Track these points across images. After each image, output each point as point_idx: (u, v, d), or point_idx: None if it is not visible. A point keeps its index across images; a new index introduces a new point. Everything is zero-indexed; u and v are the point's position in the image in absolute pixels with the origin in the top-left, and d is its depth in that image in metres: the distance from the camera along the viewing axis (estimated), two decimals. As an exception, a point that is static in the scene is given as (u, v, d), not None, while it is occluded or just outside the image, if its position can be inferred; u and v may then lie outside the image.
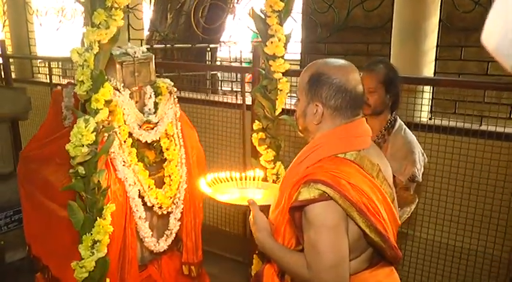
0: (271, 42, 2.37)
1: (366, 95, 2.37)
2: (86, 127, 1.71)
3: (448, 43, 3.88)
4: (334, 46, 4.11)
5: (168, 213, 2.61)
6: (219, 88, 6.35)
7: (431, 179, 2.82)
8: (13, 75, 5.94)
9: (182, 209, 2.66)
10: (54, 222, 2.29)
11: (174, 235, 2.64)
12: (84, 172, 1.77)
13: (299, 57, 5.13)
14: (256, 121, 2.63)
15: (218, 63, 7.62)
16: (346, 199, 1.36)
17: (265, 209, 1.69)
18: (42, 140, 2.37)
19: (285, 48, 2.42)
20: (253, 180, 2.03)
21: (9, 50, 6.20)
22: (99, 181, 1.83)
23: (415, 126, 2.92)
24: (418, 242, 2.91)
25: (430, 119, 3.17)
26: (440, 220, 2.83)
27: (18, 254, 3.57)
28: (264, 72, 2.52)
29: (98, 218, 1.86)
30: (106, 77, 2.20)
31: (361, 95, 1.54)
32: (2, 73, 4.55)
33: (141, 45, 4.90)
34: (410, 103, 3.04)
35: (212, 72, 6.83)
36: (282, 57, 2.44)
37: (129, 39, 4.90)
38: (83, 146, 1.73)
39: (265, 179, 2.29)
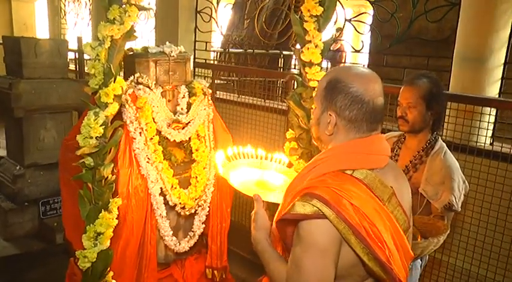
0: (308, 48, 2.27)
1: (405, 110, 2.20)
2: (95, 120, 1.74)
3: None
4: (395, 58, 3.87)
5: (194, 214, 2.61)
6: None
7: (477, 210, 2.53)
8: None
9: (208, 211, 2.64)
10: (81, 210, 2.38)
11: (197, 237, 2.63)
12: (92, 164, 1.81)
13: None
14: (289, 129, 2.54)
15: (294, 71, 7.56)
16: (343, 220, 1.24)
17: (271, 206, 1.60)
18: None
19: (322, 56, 2.31)
20: (279, 163, 1.91)
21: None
22: (104, 174, 1.85)
23: (472, 151, 2.66)
24: (452, 269, 2.63)
25: (491, 144, 2.85)
26: (477, 254, 2.55)
27: (68, 236, 3.80)
28: (300, 79, 2.42)
29: (103, 210, 1.89)
30: (138, 74, 2.27)
31: (381, 109, 1.40)
32: (77, 67, 4.90)
33: (206, 48, 5.02)
34: (469, 125, 2.76)
35: (283, 80, 6.78)
36: (319, 64, 2.33)
37: (195, 41, 5.01)
38: (92, 138, 1.76)
39: (290, 165, 2.14)
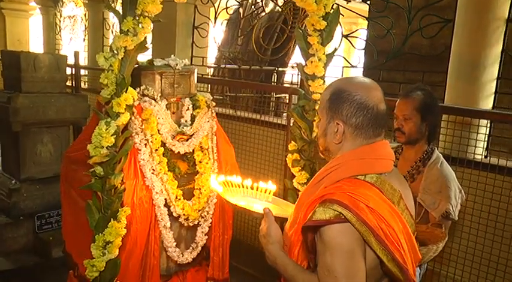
0: (311, 62, 2.33)
1: (401, 122, 2.27)
2: (106, 130, 1.77)
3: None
4: (389, 73, 3.96)
5: (196, 226, 2.62)
6: (284, 110, 6.40)
7: (476, 220, 2.59)
8: (86, 85, 6.41)
9: (211, 223, 2.65)
10: (84, 221, 2.37)
11: (199, 248, 2.63)
12: (102, 173, 1.83)
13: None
14: (292, 142, 2.58)
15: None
16: (363, 223, 1.28)
17: (278, 221, 1.62)
18: (84, 142, 2.47)
19: (325, 69, 2.37)
20: (265, 192, 1.92)
21: (86, 62, 6.71)
22: (114, 183, 1.86)
23: (467, 163, 2.73)
24: (451, 278, 2.67)
25: (486, 157, 2.92)
26: (476, 263, 2.60)
27: (65, 250, 3.76)
28: (303, 92, 2.48)
29: (112, 219, 1.90)
30: (144, 86, 2.30)
31: (384, 114, 1.46)
32: (73, 81, 4.90)
33: (203, 63, 5.08)
34: (463, 137, 2.84)
35: (277, 95, 6.86)
36: (322, 77, 2.39)
37: (192, 56, 5.07)
38: (103, 147, 1.78)
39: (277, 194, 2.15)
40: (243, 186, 1.85)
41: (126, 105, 1.83)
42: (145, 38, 1.83)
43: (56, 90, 3.92)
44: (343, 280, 1.27)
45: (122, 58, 1.77)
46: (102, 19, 6.47)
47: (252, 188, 1.82)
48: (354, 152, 1.44)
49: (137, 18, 1.76)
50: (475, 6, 2.93)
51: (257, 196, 1.83)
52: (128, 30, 1.74)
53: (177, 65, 2.43)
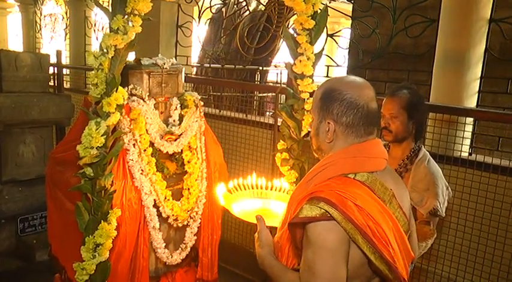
0: (300, 61, 2.34)
1: (388, 121, 2.29)
2: (96, 130, 1.74)
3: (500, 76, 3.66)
4: (375, 72, 4.00)
5: (185, 226, 2.60)
6: (268, 110, 6.42)
7: (462, 216, 2.63)
8: (68, 85, 6.31)
9: (200, 223, 2.64)
10: (72, 223, 2.33)
11: (188, 249, 2.61)
12: (92, 174, 1.80)
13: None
14: (280, 141, 2.58)
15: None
16: (349, 221, 1.29)
17: (272, 228, 1.64)
18: (70, 143, 2.43)
19: (314, 68, 2.38)
20: (279, 191, 1.97)
21: (68, 61, 6.59)
22: (105, 184, 1.83)
23: (454, 161, 2.77)
24: (439, 275, 2.71)
25: (470, 154, 2.97)
26: (463, 260, 2.65)
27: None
28: (291, 91, 2.48)
29: (102, 221, 1.87)
30: (132, 85, 2.28)
31: (375, 112, 1.47)
32: (56, 81, 4.82)
33: (187, 63, 5.05)
34: (449, 135, 2.88)
35: (260, 95, 6.86)
36: (311, 76, 2.40)
37: (176, 55, 5.03)
38: (92, 148, 1.76)
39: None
40: (257, 187, 1.91)
41: (117, 104, 1.81)
42: (136, 36, 1.80)
43: (39, 89, 3.85)
44: (323, 278, 1.28)
45: (112, 57, 1.75)
46: (84, 17, 6.36)
47: (266, 188, 1.87)
48: (345, 151, 1.45)
49: (127, 16, 1.73)
50: (459, 6, 2.98)
51: (271, 195, 1.91)
52: (117, 28, 1.71)
53: (164, 64, 2.40)
